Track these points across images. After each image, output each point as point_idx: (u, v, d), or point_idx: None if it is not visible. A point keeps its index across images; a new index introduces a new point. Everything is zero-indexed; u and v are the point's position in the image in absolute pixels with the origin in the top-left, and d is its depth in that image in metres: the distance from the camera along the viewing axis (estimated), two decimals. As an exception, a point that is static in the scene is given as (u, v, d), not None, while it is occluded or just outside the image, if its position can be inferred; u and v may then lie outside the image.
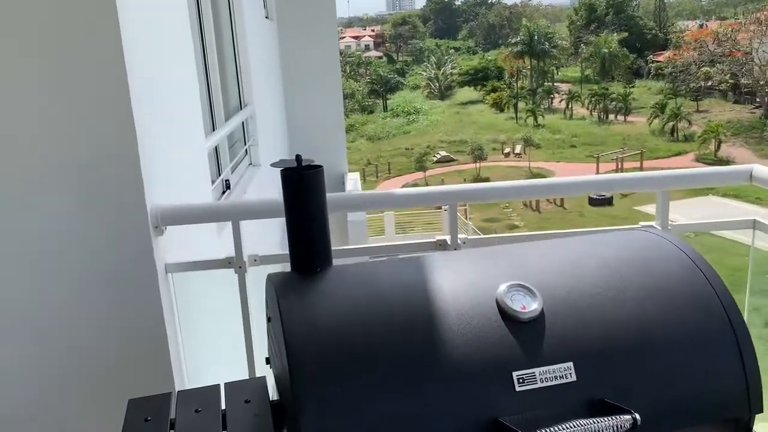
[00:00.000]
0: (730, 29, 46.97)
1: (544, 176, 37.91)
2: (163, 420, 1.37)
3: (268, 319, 1.34)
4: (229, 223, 1.88)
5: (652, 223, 2.02)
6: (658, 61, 54.66)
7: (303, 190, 1.23)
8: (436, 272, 1.23)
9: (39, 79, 1.72)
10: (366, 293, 1.17)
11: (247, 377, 1.99)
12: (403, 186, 38.00)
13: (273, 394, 1.42)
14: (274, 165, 1.25)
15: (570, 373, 1.09)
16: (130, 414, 1.41)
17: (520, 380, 1.07)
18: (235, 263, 1.89)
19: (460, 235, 1.94)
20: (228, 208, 1.91)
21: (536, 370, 1.08)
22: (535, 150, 42.20)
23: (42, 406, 1.96)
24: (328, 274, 1.24)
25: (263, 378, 1.49)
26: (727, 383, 1.15)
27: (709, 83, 48.67)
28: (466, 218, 22.56)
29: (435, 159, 43.04)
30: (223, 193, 3.41)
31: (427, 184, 38.48)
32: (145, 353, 1.91)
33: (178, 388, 1.94)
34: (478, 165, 40.38)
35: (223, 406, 1.42)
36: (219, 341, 2.41)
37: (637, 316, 1.16)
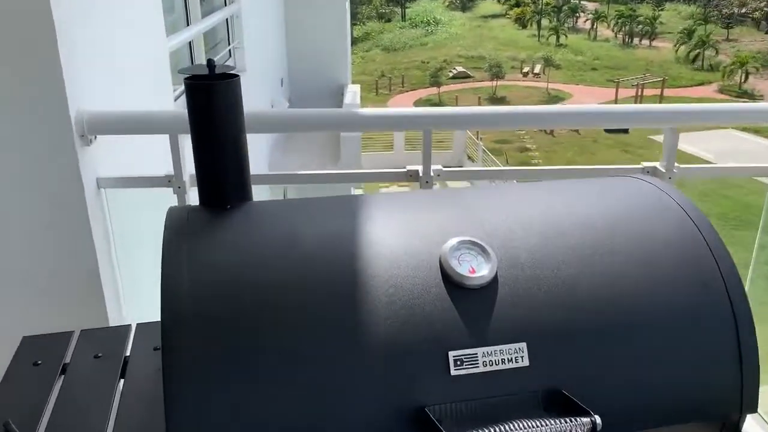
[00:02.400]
0: (771, -48, 44.33)
1: (561, 98, 36.97)
2: (54, 364, 1.18)
3: None
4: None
5: (656, 163, 1.75)
6: (692, -17, 51.99)
7: (212, 105, 0.98)
8: (376, 218, 1.00)
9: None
10: (279, 241, 0.94)
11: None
12: (415, 102, 37.23)
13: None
14: (181, 71, 0.99)
15: (522, 356, 0.87)
16: (19, 355, 1.21)
17: (458, 362, 0.85)
18: (174, 182, 1.66)
19: (433, 166, 1.69)
20: (167, 119, 1.66)
21: (479, 351, 0.86)
22: (554, 71, 40.93)
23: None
24: (238, 213, 1.00)
25: None
26: (718, 377, 0.93)
27: (743, 10, 46.43)
28: (477, 139, 22.07)
29: (451, 74, 41.88)
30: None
31: (440, 101, 37.69)
32: (77, 278, 1.71)
33: (112, 319, 1.75)
34: (495, 83, 39.28)
35: (129, 352, 1.23)
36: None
37: (614, 289, 0.93)
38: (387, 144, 20.36)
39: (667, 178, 1.69)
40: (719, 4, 46.40)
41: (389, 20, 54.00)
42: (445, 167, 1.70)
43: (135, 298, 1.88)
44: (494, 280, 0.90)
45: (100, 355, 1.20)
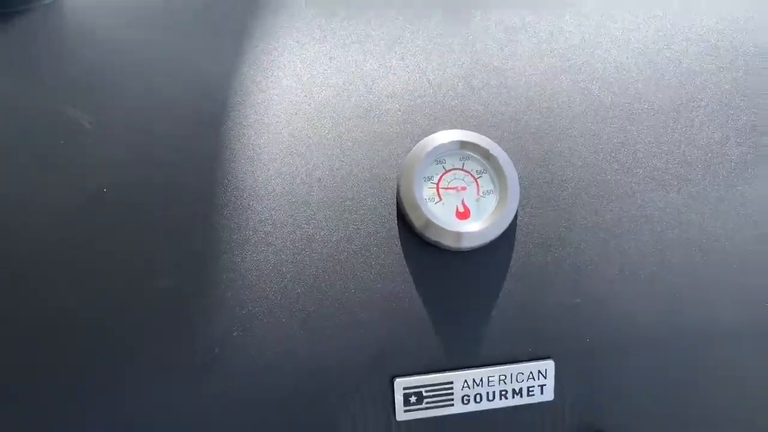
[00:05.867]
0: None
1: None
2: None
3: None
4: None
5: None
6: None
7: None
8: (284, 42, 0.48)
9: None
10: (69, 87, 0.44)
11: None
12: None
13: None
14: None
15: (543, 385, 0.44)
16: None
17: (411, 397, 0.42)
18: None
19: None
20: None
21: (456, 376, 0.43)
22: None
23: None
24: (29, 20, 0.48)
25: None
26: None
27: None
28: None
29: None
30: None
31: None
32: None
33: None
34: None
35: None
36: None
37: (730, 268, 0.46)
38: None
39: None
40: None
41: None
42: None
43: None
44: (506, 233, 0.43)
45: None
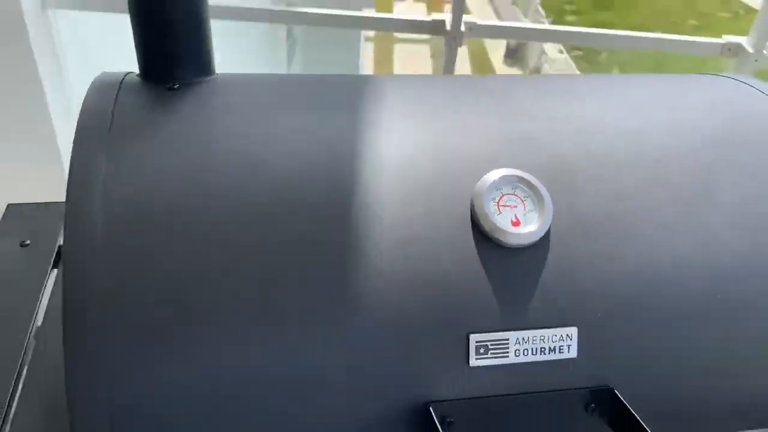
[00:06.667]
0: None
1: None
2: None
3: None
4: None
5: (742, 39, 1.39)
6: None
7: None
8: (384, 119, 0.70)
9: None
10: (239, 143, 0.65)
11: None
12: None
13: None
14: None
15: (569, 345, 0.63)
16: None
17: (481, 348, 0.62)
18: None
19: (466, 18, 1.33)
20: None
21: (512, 336, 0.62)
22: None
23: None
24: (188, 94, 0.70)
25: None
26: None
27: None
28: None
29: None
30: None
31: None
32: (21, 114, 1.43)
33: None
34: None
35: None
36: None
37: (713, 257, 0.67)
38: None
39: (753, 61, 1.35)
40: None
41: None
42: (479, 21, 1.35)
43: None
44: (546, 237, 0.64)
45: (27, 242, 0.96)
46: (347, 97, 0.73)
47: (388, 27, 1.49)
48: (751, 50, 1.37)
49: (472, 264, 0.62)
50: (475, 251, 0.62)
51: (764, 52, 1.36)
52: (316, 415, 0.59)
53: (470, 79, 0.81)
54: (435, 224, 0.63)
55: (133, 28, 0.70)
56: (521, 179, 0.65)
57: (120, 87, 0.70)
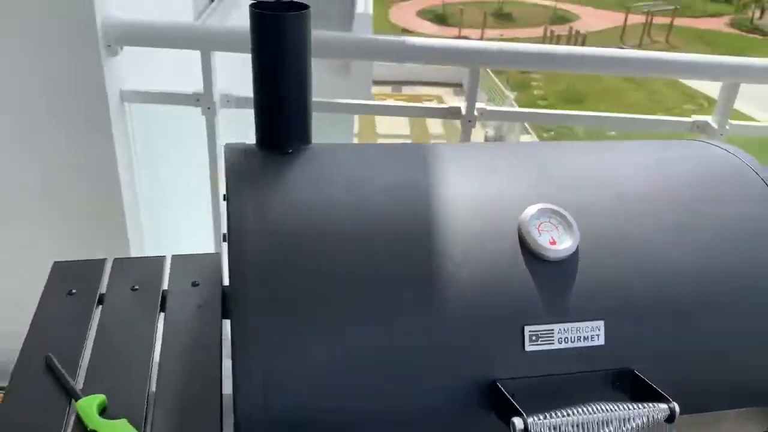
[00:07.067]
0: None
1: (569, 19, 35.88)
2: (91, 295, 1.14)
3: (224, 196, 1.06)
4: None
5: (708, 118, 1.68)
6: None
7: (278, 39, 0.88)
8: (444, 171, 0.93)
9: None
10: (346, 192, 0.88)
11: (213, 250, 1.75)
12: (418, 12, 35.97)
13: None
14: (253, 2, 0.89)
15: (597, 335, 0.83)
16: (52, 281, 1.17)
17: (533, 337, 0.82)
18: (203, 102, 1.56)
19: (478, 104, 1.60)
20: (199, 33, 1.54)
21: (555, 327, 0.82)
22: (564, -10, 39.52)
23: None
24: (301, 157, 0.93)
25: (217, 255, 1.24)
26: None
27: (765, -60, 44.57)
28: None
29: (457, -14, 40.33)
30: (212, 1, 2.94)
31: (444, 13, 36.47)
32: (97, 198, 1.65)
33: (133, 248, 1.70)
34: (501, -1, 37.95)
35: (166, 286, 1.18)
36: (182, 198, 2.14)
37: (698, 266, 0.89)
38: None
39: (719, 135, 1.62)
40: (741, -68, 44.52)
41: None
42: (488, 107, 1.62)
43: (157, 223, 1.83)
44: (575, 253, 0.85)
45: (137, 287, 1.16)
46: (418, 160, 0.96)
47: (411, 113, 1.75)
48: (716, 126, 1.65)
49: (522, 273, 0.83)
50: (524, 264, 0.84)
51: (726, 127, 1.64)
52: (410, 386, 0.78)
53: (509, 144, 1.06)
54: (493, 245, 0.84)
55: (255, 107, 0.93)
56: (554, 211, 0.87)
57: (246, 153, 0.93)
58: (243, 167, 0.88)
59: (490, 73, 21.68)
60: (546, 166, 0.98)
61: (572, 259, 0.85)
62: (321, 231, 0.82)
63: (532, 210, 0.87)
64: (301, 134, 0.96)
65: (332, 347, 0.76)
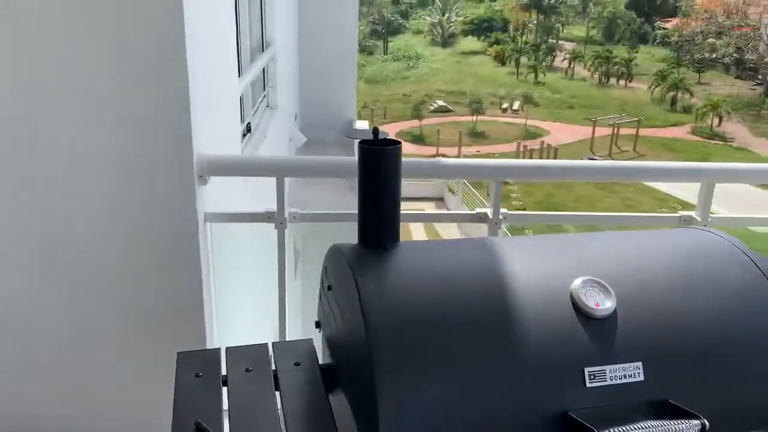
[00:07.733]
0: (741, 1, 46.29)
1: (539, 135, 37.74)
2: (215, 377, 1.38)
3: (328, 287, 1.34)
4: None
5: (692, 213, 2.02)
6: (664, 28, 53.86)
7: (381, 167, 1.21)
8: (505, 258, 1.23)
9: (94, 37, 1.67)
10: (438, 274, 1.17)
11: (277, 339, 2.01)
12: (397, 134, 37.72)
13: (320, 357, 1.44)
14: (360, 140, 1.23)
15: (638, 373, 1.10)
16: (181, 368, 1.41)
17: (591, 376, 1.08)
18: (277, 219, 1.87)
19: (501, 210, 1.93)
20: (277, 163, 1.88)
21: (607, 368, 1.09)
22: (532, 108, 41.89)
23: (74, 354, 1.97)
24: (397, 252, 1.23)
25: (311, 341, 1.50)
26: None
27: (714, 55, 48.19)
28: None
29: (432, 108, 42.61)
30: (244, 135, 3.35)
31: (422, 133, 38.24)
32: (182, 306, 1.91)
33: (208, 344, 1.95)
34: (475, 118, 40.06)
35: (273, 367, 1.43)
36: (246, 299, 2.41)
37: (706, 319, 1.17)
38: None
39: (703, 226, 1.95)
40: (691, 49, 48.14)
41: (371, 53, 54.92)
42: (509, 212, 1.95)
43: (225, 322, 2.08)
44: (614, 312, 1.14)
45: (250, 369, 1.40)
46: (483, 249, 1.26)
47: (441, 219, 2.08)
48: (699, 219, 1.99)
49: (579, 328, 1.11)
50: (578, 321, 1.12)
51: (708, 219, 1.97)
52: (497, 416, 1.04)
53: (550, 236, 1.37)
54: (552, 308, 1.13)
55: (359, 214, 1.24)
56: (595, 281, 1.17)
57: (353, 250, 1.22)
58: (363, 260, 1.17)
59: (469, 186, 22.67)
60: (579, 251, 1.28)
61: (613, 316, 1.14)
62: (431, 309, 1.11)
63: (579, 281, 1.16)
64: (393, 234, 1.26)
65: (450, 395, 1.03)
